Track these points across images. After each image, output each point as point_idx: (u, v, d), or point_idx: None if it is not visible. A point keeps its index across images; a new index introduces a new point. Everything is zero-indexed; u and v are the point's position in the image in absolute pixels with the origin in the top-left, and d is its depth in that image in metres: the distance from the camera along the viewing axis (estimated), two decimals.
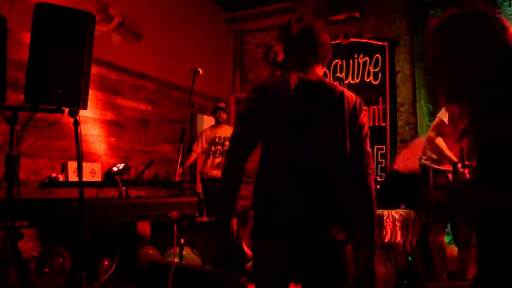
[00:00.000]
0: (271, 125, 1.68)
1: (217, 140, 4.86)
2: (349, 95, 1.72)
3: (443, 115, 3.21)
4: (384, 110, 5.27)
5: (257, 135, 1.69)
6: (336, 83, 1.81)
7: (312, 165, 1.64)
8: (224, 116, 4.93)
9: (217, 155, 4.80)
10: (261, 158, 1.72)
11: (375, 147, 5.04)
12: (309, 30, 1.79)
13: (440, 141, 3.18)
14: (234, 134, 1.72)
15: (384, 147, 5.22)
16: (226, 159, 1.74)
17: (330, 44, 1.82)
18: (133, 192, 3.90)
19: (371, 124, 5.21)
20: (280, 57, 6.03)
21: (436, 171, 3.33)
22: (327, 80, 1.79)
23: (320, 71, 1.80)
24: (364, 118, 1.76)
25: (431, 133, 3.30)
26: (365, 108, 1.80)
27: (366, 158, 1.70)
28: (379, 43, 5.40)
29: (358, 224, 1.68)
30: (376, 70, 5.40)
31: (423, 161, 3.47)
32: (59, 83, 2.59)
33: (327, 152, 1.67)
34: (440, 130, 3.20)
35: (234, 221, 3.83)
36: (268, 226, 1.63)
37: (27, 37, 2.77)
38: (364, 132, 1.72)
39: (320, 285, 1.68)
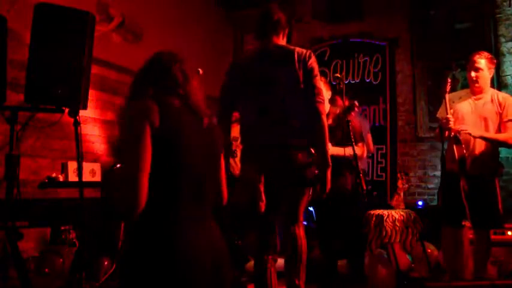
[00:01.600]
0: (244, 86, 2.37)
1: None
2: (300, 50, 2.33)
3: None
4: (384, 110, 5.27)
5: (234, 97, 2.42)
6: (289, 46, 2.41)
7: (274, 107, 2.29)
8: (236, 114, 4.89)
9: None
10: (241, 110, 2.45)
11: (375, 147, 5.03)
12: (267, 12, 2.43)
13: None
14: (219, 100, 2.46)
15: (384, 147, 5.22)
16: (217, 118, 2.22)
17: (284, 19, 2.43)
18: None
19: (371, 124, 5.20)
20: None
21: None
22: (283, 45, 2.41)
23: (279, 40, 2.42)
24: (313, 64, 2.31)
25: None
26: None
27: (316, 91, 2.28)
28: (379, 43, 5.41)
29: (315, 141, 2.30)
30: (376, 70, 5.40)
31: None
32: (59, 83, 2.59)
33: (284, 93, 2.29)
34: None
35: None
36: (248, 151, 2.37)
37: (27, 37, 2.77)
38: (313, 73, 2.29)
39: (286, 186, 2.34)
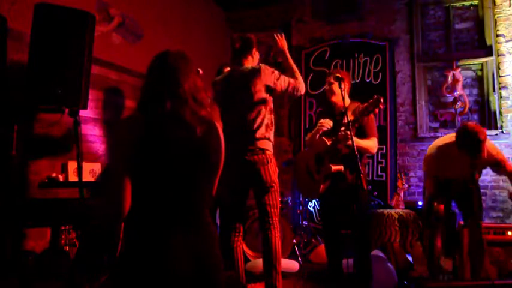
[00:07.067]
0: (219, 102, 2.93)
1: None
2: (256, 66, 2.88)
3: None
4: (384, 110, 5.27)
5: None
6: (247, 68, 2.89)
7: (237, 119, 2.82)
8: None
9: None
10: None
11: None
12: (232, 41, 3.04)
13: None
14: None
15: (384, 147, 5.22)
16: None
17: (250, 41, 2.98)
18: None
19: None
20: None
21: None
22: (244, 68, 2.91)
23: (248, 61, 2.97)
24: (266, 70, 2.87)
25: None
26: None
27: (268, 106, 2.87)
28: (379, 43, 5.41)
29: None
30: (376, 70, 5.40)
31: None
32: (59, 83, 2.59)
33: (243, 107, 2.80)
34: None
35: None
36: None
37: (27, 37, 2.77)
38: (274, 77, 2.89)
39: (245, 180, 2.85)
